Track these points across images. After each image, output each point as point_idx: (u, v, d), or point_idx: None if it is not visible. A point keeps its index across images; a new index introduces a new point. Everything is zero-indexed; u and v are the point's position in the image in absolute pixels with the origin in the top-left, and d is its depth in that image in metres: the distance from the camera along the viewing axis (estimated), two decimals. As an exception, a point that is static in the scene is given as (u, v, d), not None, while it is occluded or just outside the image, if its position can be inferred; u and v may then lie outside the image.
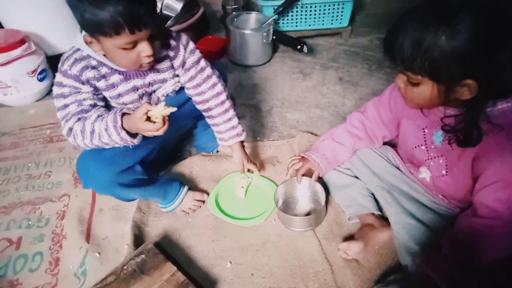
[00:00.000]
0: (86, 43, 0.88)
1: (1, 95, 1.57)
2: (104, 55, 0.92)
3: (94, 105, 0.95)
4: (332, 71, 1.85)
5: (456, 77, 0.71)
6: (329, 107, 1.61)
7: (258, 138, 1.45)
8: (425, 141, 0.94)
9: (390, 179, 1.07)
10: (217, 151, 1.38)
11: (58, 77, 0.94)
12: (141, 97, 1.03)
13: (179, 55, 1.04)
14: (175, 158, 1.36)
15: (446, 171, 0.91)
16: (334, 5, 1.95)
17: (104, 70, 0.94)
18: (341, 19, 2.02)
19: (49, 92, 1.70)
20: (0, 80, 1.52)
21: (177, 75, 1.08)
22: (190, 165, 1.33)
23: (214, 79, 1.11)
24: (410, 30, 0.70)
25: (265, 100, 1.66)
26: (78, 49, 0.93)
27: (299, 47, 1.83)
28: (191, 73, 1.07)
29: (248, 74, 1.86)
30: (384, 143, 1.13)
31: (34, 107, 1.63)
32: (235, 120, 1.15)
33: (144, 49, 0.87)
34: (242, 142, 1.19)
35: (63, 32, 1.75)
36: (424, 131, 0.93)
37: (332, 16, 2.01)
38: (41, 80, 1.62)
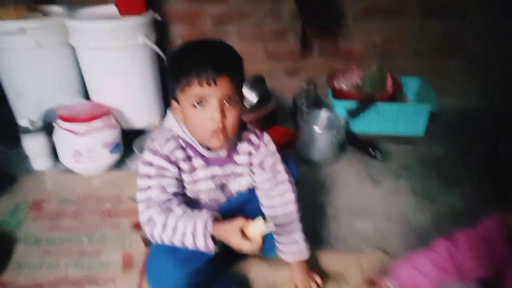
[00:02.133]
0: (173, 113, 0.92)
1: (73, 161, 1.61)
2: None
3: (176, 194, 0.92)
4: (405, 181, 1.73)
5: None
6: (402, 221, 1.47)
7: (321, 247, 1.32)
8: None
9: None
10: (276, 255, 1.26)
11: (147, 156, 0.93)
12: (216, 187, 1.01)
13: (259, 154, 1.02)
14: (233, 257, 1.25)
15: None
16: (410, 111, 1.90)
17: (190, 152, 0.95)
18: (415, 126, 1.95)
19: (117, 165, 1.73)
20: (76, 149, 1.57)
21: (253, 173, 1.04)
22: (246, 268, 1.21)
23: (287, 186, 1.06)
24: None
25: (330, 203, 1.56)
26: (168, 129, 0.95)
27: (371, 151, 1.76)
28: (266, 175, 1.03)
29: (314, 170, 1.79)
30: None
31: (101, 178, 1.65)
32: (299, 235, 1.07)
33: (212, 111, 0.84)
34: (305, 261, 1.08)
35: (141, 110, 1.85)
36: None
37: (407, 123, 1.95)
38: (112, 152, 1.66)
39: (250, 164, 1.04)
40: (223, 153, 0.99)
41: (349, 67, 2.01)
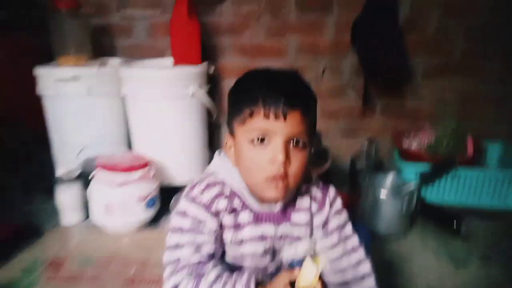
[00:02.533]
0: (226, 150, 0.77)
1: (104, 217, 1.46)
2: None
3: (212, 256, 0.73)
4: (498, 267, 1.35)
5: None
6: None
7: None
8: None
9: None
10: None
11: (183, 205, 0.74)
12: (265, 253, 0.78)
13: (323, 212, 0.81)
14: None
15: None
16: (499, 180, 1.57)
17: (236, 203, 0.76)
18: (505, 197, 1.60)
19: (150, 224, 1.55)
20: (110, 201, 1.43)
21: (313, 237, 0.82)
22: None
23: (360, 254, 0.82)
24: None
25: (401, 287, 1.23)
26: (212, 174, 0.79)
27: (453, 224, 1.42)
28: (332, 240, 0.81)
29: (378, 245, 1.47)
30: None
31: (129, 236, 1.47)
32: None
33: (275, 150, 0.67)
34: None
35: (184, 165, 1.71)
36: None
37: (494, 193, 1.60)
38: (148, 207, 1.50)
39: (311, 224, 0.82)
40: (277, 207, 0.78)
41: (420, 125, 1.75)
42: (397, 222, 1.52)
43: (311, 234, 0.82)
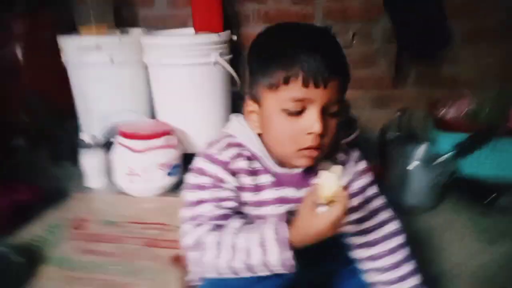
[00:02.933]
0: (245, 115, 0.72)
1: (126, 182, 1.48)
2: (259, 136, 0.71)
3: (234, 211, 0.70)
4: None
5: None
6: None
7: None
8: None
9: None
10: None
11: (199, 163, 0.71)
12: (286, 215, 0.73)
13: (346, 174, 0.75)
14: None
15: None
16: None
17: (256, 165, 0.72)
18: (551, 172, 1.46)
19: (173, 190, 1.55)
20: (132, 166, 1.44)
21: None
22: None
23: (386, 214, 0.79)
24: None
25: (429, 262, 1.15)
26: (230, 135, 0.74)
27: (489, 197, 1.32)
28: (354, 202, 0.75)
29: (406, 219, 1.39)
30: None
31: (151, 202, 1.48)
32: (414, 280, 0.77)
33: (312, 121, 0.62)
34: None
35: (207, 133, 1.68)
36: None
37: (538, 167, 1.47)
38: (170, 175, 1.50)
39: None
40: (298, 170, 0.73)
41: (458, 93, 1.63)
42: (427, 194, 1.43)
43: None
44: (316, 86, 0.60)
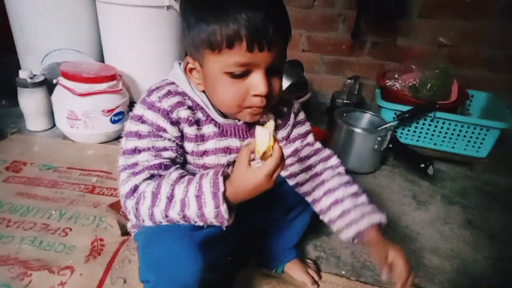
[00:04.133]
0: (186, 72, 0.69)
1: (68, 126, 1.40)
2: (203, 92, 0.69)
3: (174, 161, 0.68)
4: (459, 209, 1.38)
5: None
6: (453, 259, 1.12)
7: (344, 273, 1.01)
8: None
9: None
10: (283, 271, 0.97)
11: (138, 110, 0.67)
12: (228, 165, 0.75)
13: (288, 125, 0.78)
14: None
15: None
16: (475, 128, 1.54)
17: (199, 115, 0.70)
18: (478, 147, 1.59)
19: (117, 137, 1.50)
20: (72, 110, 1.36)
21: None
22: (247, 282, 0.92)
23: (328, 152, 0.81)
24: None
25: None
26: (173, 83, 0.70)
27: (423, 165, 1.42)
28: (295, 145, 0.79)
29: (345, 180, 1.47)
30: None
31: (95, 149, 1.43)
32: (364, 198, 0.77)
33: (258, 84, 0.62)
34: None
35: (157, 81, 1.63)
36: None
37: (468, 142, 1.59)
38: (114, 122, 1.44)
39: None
40: (241, 121, 0.73)
41: (407, 66, 1.68)
42: (369, 159, 1.51)
43: None
44: (261, 50, 0.58)
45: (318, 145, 0.83)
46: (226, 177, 0.62)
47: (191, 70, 0.68)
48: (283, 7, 0.63)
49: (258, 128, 0.59)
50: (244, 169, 0.60)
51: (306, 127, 0.83)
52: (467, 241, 1.21)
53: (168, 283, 0.63)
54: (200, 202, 0.60)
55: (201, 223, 0.63)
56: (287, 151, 0.80)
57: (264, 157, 0.59)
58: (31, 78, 1.42)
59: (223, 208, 0.60)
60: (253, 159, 0.61)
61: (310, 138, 0.83)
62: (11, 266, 0.91)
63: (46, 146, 1.42)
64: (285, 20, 0.63)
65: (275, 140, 0.59)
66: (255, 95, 0.63)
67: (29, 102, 1.44)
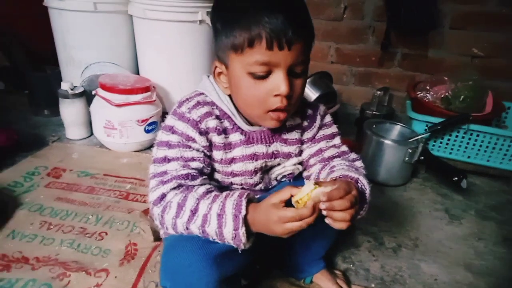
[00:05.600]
0: (215, 76, 0.72)
1: (105, 135, 1.47)
2: (230, 98, 0.73)
3: (201, 172, 0.69)
4: (494, 225, 1.33)
5: None
6: (488, 276, 1.08)
7: (373, 286, 1.00)
8: None
9: None
10: (311, 282, 0.97)
11: (170, 121, 0.71)
12: (256, 171, 0.77)
13: (314, 127, 0.79)
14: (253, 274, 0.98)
15: None
16: (511, 141, 1.50)
17: (226, 124, 0.74)
18: (515, 161, 1.54)
19: (150, 146, 1.55)
20: (109, 120, 1.43)
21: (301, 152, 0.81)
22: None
23: (354, 156, 0.81)
24: None
25: (392, 233, 1.22)
26: (202, 93, 0.72)
27: (456, 178, 1.38)
28: (320, 145, 0.79)
29: (375, 191, 1.45)
30: None
31: (129, 157, 1.48)
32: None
33: (279, 83, 0.63)
34: None
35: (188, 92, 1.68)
36: None
37: (504, 155, 1.54)
38: (147, 131, 1.50)
39: (301, 141, 0.80)
40: (267, 128, 0.76)
41: (438, 78, 1.66)
42: (399, 171, 1.49)
43: (300, 151, 0.82)
44: (280, 48, 0.60)
45: (344, 148, 0.83)
46: (251, 200, 0.64)
47: (219, 74, 0.71)
48: (304, 10, 0.65)
49: (310, 182, 0.60)
50: (268, 201, 0.61)
51: (333, 129, 0.83)
52: (503, 258, 1.17)
53: None
54: (221, 221, 0.61)
55: (219, 241, 0.64)
56: (311, 150, 0.81)
57: (296, 206, 0.60)
58: (71, 89, 1.50)
59: (242, 231, 0.61)
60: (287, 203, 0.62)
61: (337, 140, 0.83)
62: (51, 266, 0.95)
63: (84, 154, 1.49)
64: (306, 22, 0.65)
65: (314, 205, 0.58)
66: (276, 95, 0.65)
67: (69, 112, 1.52)
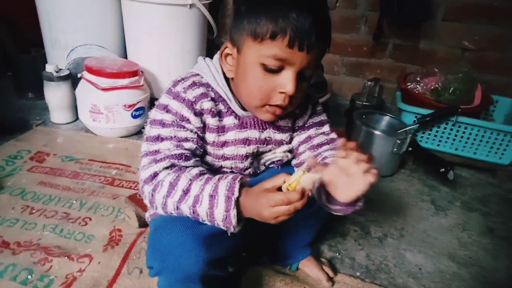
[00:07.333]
0: (221, 56, 0.70)
1: (90, 120, 1.44)
2: (228, 83, 0.72)
3: (194, 153, 0.70)
4: (479, 216, 1.34)
5: None
6: (471, 266, 1.10)
7: (358, 274, 1.00)
8: None
9: None
10: (297, 269, 0.97)
11: (164, 99, 0.69)
12: (247, 156, 0.76)
13: (305, 115, 0.80)
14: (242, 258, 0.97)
15: None
16: (498, 134, 1.51)
17: (221, 107, 0.73)
18: (501, 154, 1.55)
19: (137, 132, 1.53)
20: (95, 104, 1.40)
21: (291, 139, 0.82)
22: (259, 278, 0.93)
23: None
24: None
25: (378, 223, 1.23)
26: (197, 74, 0.72)
27: (443, 170, 1.39)
28: (309, 132, 0.80)
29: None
30: None
31: (115, 142, 1.46)
32: None
33: (287, 82, 0.63)
34: None
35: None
36: None
37: (491, 148, 1.55)
38: (134, 117, 1.47)
39: (292, 130, 0.81)
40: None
41: (428, 70, 1.65)
42: (388, 162, 1.49)
43: (291, 138, 0.82)
44: (301, 49, 0.60)
45: (333, 135, 0.83)
46: (244, 184, 0.63)
47: (226, 56, 0.70)
48: (329, 18, 0.64)
49: (301, 169, 0.60)
50: (261, 186, 0.61)
51: (322, 117, 0.84)
52: (487, 249, 1.18)
53: (170, 272, 0.64)
54: (213, 202, 0.61)
55: (208, 223, 0.63)
56: (300, 137, 0.82)
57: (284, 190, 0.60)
58: (56, 72, 1.46)
59: (233, 213, 0.60)
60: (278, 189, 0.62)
61: (326, 128, 0.83)
62: (33, 251, 0.93)
63: (69, 138, 1.46)
64: (329, 30, 0.65)
65: (305, 190, 0.59)
66: (281, 92, 0.64)
67: (54, 95, 1.49)
